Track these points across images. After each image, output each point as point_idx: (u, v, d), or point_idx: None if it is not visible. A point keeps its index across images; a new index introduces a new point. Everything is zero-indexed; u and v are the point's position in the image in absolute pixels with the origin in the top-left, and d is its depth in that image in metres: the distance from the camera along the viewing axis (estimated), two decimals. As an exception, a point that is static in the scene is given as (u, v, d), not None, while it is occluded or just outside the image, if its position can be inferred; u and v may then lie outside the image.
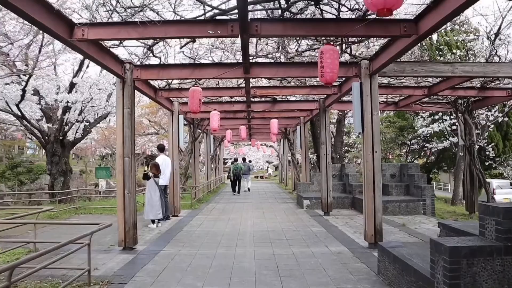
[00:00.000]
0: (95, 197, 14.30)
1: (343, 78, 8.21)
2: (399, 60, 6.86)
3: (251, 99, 10.10)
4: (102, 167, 15.47)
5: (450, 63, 7.15)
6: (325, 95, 10.49)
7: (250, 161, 25.01)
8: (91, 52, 5.66)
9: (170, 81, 8.72)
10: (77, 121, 12.66)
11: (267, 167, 49.15)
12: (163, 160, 10.10)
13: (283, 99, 11.10)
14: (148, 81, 8.51)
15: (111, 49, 5.90)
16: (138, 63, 7.00)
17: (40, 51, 10.39)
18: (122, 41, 5.92)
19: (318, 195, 12.57)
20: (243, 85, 8.50)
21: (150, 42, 6.31)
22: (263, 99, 11.03)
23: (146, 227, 8.95)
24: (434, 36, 14.59)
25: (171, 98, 10.61)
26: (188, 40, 6.11)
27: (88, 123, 13.44)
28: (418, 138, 20.41)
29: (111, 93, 14.50)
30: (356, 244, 7.08)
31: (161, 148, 10.38)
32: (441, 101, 11.35)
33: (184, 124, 15.20)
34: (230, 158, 30.89)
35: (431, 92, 9.19)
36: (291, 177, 20.80)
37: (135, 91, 7.53)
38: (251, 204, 14.10)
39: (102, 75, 12.96)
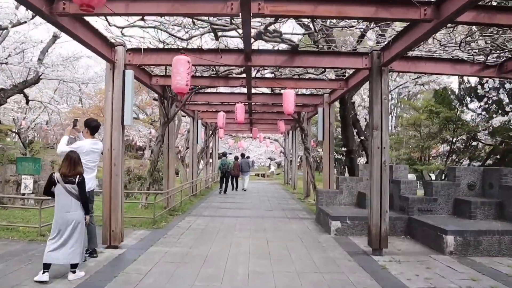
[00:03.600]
0: (12, 204, 9.53)
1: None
2: None
3: (254, 36, 5.40)
4: (28, 158, 10.59)
5: None
6: (384, 43, 5.83)
7: (248, 157, 20.95)
8: None
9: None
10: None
11: (269, 164, 44.44)
12: (89, 148, 5.54)
13: (309, 47, 6.41)
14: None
15: None
16: None
17: None
18: None
19: (354, 214, 7.96)
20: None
21: None
22: (275, 45, 6.37)
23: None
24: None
25: (111, 39, 5.99)
26: None
27: (0, 90, 8.78)
28: (467, 134, 15.71)
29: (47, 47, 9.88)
30: None
31: (94, 127, 5.75)
32: None
33: (154, 99, 10.58)
34: (230, 153, 26.56)
35: None
36: (302, 178, 16.18)
37: None
38: (248, 219, 9.46)
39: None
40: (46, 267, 4.47)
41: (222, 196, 15.23)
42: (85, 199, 4.79)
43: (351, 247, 6.63)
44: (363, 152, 16.01)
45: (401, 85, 11.61)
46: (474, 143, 17.15)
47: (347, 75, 8.59)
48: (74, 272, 4.61)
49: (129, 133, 34.11)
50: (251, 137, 28.52)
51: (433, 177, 19.80)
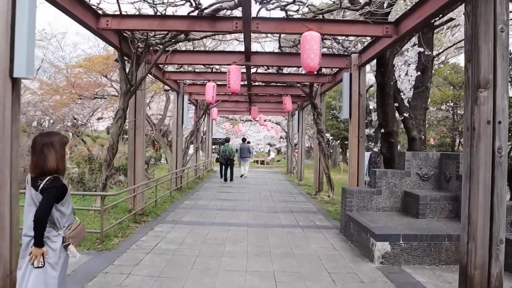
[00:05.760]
0: None
1: None
2: None
3: None
4: None
5: None
6: None
7: (249, 142, 18.94)
8: None
9: None
10: None
11: (269, 150, 41.53)
12: None
13: None
14: None
15: None
16: None
17: None
18: None
19: (407, 228, 5.13)
20: None
21: None
22: None
23: None
24: None
25: None
26: None
27: None
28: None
29: None
30: None
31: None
32: None
33: (115, 61, 7.61)
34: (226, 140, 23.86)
35: None
36: (313, 167, 13.38)
37: None
38: (244, 230, 6.64)
39: None
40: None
41: (214, 189, 12.43)
42: (37, 218, 2.47)
43: (422, 297, 3.82)
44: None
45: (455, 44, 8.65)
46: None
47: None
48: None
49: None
50: (250, 120, 25.58)
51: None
